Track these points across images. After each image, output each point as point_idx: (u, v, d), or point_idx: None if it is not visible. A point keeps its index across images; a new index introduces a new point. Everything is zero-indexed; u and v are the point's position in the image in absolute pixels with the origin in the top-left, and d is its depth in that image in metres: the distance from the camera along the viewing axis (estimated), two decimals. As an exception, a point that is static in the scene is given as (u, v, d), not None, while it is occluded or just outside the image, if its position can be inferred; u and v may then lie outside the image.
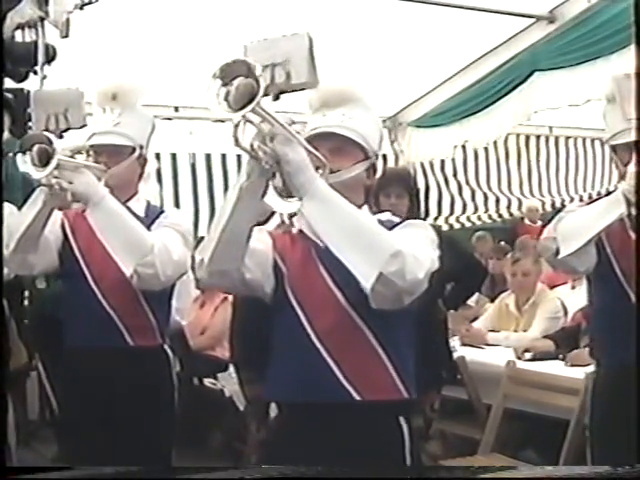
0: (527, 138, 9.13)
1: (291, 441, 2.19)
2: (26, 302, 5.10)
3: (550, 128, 9.05)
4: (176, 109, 6.83)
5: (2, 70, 3.51)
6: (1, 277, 3.04)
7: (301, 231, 2.21)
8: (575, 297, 5.30)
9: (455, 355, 4.57)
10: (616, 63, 5.07)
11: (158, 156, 7.14)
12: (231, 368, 4.69)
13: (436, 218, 8.68)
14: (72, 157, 2.99)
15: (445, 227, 8.47)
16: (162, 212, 3.26)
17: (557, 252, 2.86)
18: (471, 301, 5.89)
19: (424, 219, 5.73)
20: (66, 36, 3.79)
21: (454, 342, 4.85)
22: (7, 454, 3.28)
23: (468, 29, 5.85)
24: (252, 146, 1.90)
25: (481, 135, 6.89)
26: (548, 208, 9.27)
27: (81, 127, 3.21)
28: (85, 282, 3.14)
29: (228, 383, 5.15)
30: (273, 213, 2.26)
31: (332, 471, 2.04)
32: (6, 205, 3.06)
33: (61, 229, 3.22)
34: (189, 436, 4.51)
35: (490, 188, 9.20)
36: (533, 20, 6.09)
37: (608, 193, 2.87)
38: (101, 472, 2.10)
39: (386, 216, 2.33)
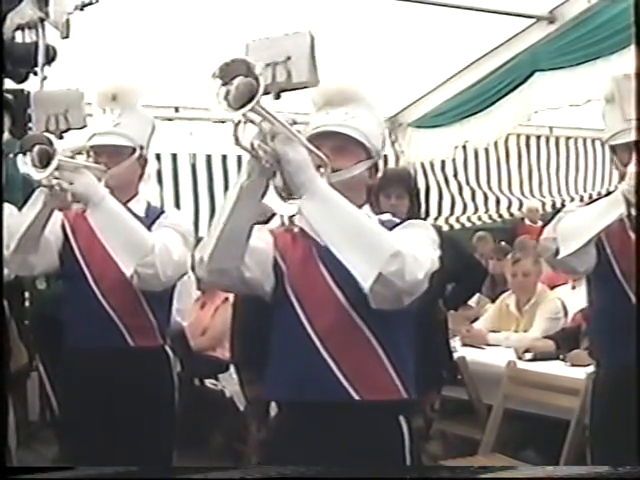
0: (527, 138, 9.13)
1: (291, 440, 2.19)
2: (26, 303, 5.10)
3: (550, 128, 9.05)
4: (176, 110, 6.83)
5: (2, 71, 3.51)
6: (1, 278, 3.04)
7: (302, 230, 2.20)
8: (575, 297, 5.29)
9: (456, 355, 4.57)
10: (616, 63, 5.07)
11: (158, 157, 7.15)
12: (232, 369, 4.69)
13: (436, 218, 8.68)
14: (72, 158, 2.99)
15: (445, 227, 8.47)
16: (162, 212, 3.26)
17: (557, 252, 2.86)
18: (472, 301, 5.89)
19: (424, 219, 5.72)
20: (66, 37, 3.79)
21: (455, 342, 4.85)
22: (7, 455, 3.27)
23: (468, 29, 5.85)
24: (252, 145, 1.90)
25: (481, 135, 6.89)
26: (548, 208, 9.27)
27: (81, 128, 3.21)
28: (85, 282, 3.14)
29: (229, 384, 5.16)
30: (274, 214, 2.26)
31: (331, 471, 2.04)
32: (6, 206, 3.06)
33: (61, 230, 3.22)
34: (190, 437, 4.51)
35: (490, 188, 9.20)
36: (533, 20, 6.09)
37: (608, 193, 2.87)
38: (101, 472, 2.10)
39: (387, 216, 2.34)
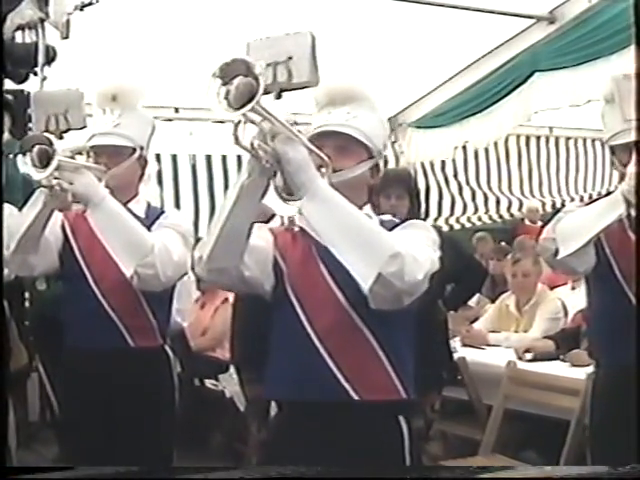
0: (527, 139, 9.12)
1: (290, 439, 2.19)
2: (26, 303, 5.10)
3: (550, 129, 9.04)
4: (176, 110, 6.83)
5: (2, 71, 3.51)
6: (1, 278, 3.04)
7: (302, 229, 2.20)
8: (575, 298, 5.29)
9: (456, 356, 4.57)
10: (616, 63, 5.06)
11: (158, 157, 7.15)
12: (232, 369, 4.69)
13: (436, 219, 8.68)
14: (72, 158, 2.99)
15: (445, 228, 8.47)
16: (162, 213, 3.26)
17: (556, 252, 2.86)
18: (472, 302, 5.89)
19: (424, 220, 5.73)
20: (66, 37, 3.79)
21: (455, 343, 4.85)
22: (7, 455, 3.27)
23: (468, 30, 5.85)
24: (252, 145, 1.90)
25: (481, 136, 6.88)
26: (548, 209, 9.26)
27: (81, 128, 3.21)
28: (85, 283, 3.14)
29: (229, 384, 5.16)
30: (274, 215, 2.26)
31: (331, 471, 2.04)
32: (6, 206, 3.06)
33: (61, 230, 3.22)
34: (190, 437, 4.51)
35: (490, 189, 9.20)
36: (533, 20, 6.09)
37: (609, 194, 2.86)
38: (101, 472, 2.10)
39: (388, 217, 2.34)
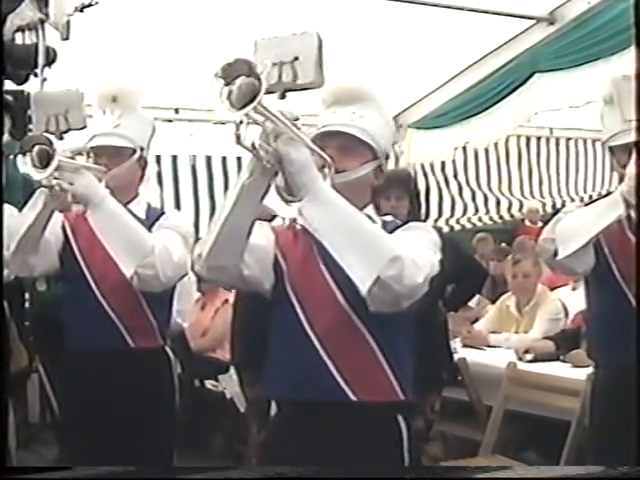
0: (528, 139, 9.13)
1: (289, 438, 2.19)
2: (27, 304, 5.10)
3: (550, 129, 9.05)
4: (176, 111, 6.83)
5: (2, 72, 3.51)
6: (1, 279, 3.04)
7: (304, 227, 2.18)
8: (576, 298, 5.29)
9: (456, 356, 4.56)
10: (616, 64, 5.07)
11: (159, 158, 7.15)
12: (232, 370, 4.69)
13: (436, 219, 8.68)
14: (72, 158, 2.99)
15: (446, 228, 8.47)
16: (162, 214, 3.26)
17: (555, 253, 2.86)
18: (472, 303, 5.89)
19: (424, 221, 5.74)
20: (66, 38, 3.79)
21: (455, 344, 4.85)
22: (7, 456, 3.27)
23: (468, 31, 5.85)
24: (253, 145, 1.90)
25: (482, 136, 6.88)
26: (549, 209, 9.27)
27: (81, 128, 3.21)
28: (86, 284, 3.14)
29: (229, 385, 5.15)
30: (275, 216, 2.26)
31: (330, 471, 2.04)
32: (6, 207, 3.06)
33: (62, 231, 3.22)
34: (190, 438, 4.51)
35: (491, 189, 9.20)
36: (533, 22, 6.09)
37: (608, 194, 2.86)
38: (101, 472, 2.10)
39: (390, 217, 2.33)
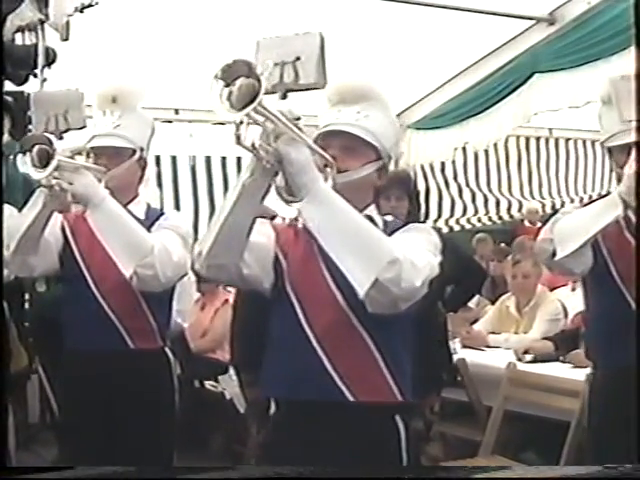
0: (527, 140, 9.13)
1: (287, 438, 2.19)
2: (26, 305, 5.10)
3: (550, 130, 9.04)
4: (176, 111, 6.83)
5: (2, 73, 3.51)
6: (1, 279, 3.04)
7: (305, 226, 2.18)
8: (575, 299, 5.27)
9: (455, 357, 4.56)
10: (616, 65, 5.06)
11: (158, 158, 7.15)
12: (231, 371, 4.69)
13: (436, 220, 8.68)
14: (72, 158, 2.99)
15: (445, 229, 8.47)
16: (162, 214, 3.26)
17: (554, 254, 2.86)
18: (472, 303, 5.89)
19: (424, 221, 5.73)
20: (66, 39, 3.79)
21: (454, 344, 4.85)
22: (7, 457, 3.27)
23: (468, 31, 5.85)
24: (254, 145, 1.89)
25: (481, 137, 6.88)
26: (548, 210, 9.26)
27: (81, 128, 3.20)
28: (85, 285, 3.14)
29: (229, 386, 5.15)
30: (275, 216, 2.26)
31: (327, 471, 2.04)
32: (6, 207, 3.06)
33: (61, 231, 3.22)
34: (190, 439, 4.51)
35: (490, 190, 9.20)
36: (533, 22, 6.09)
37: (608, 195, 2.86)
38: (101, 472, 2.10)
39: (391, 217, 2.33)
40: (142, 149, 3.22)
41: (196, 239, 3.12)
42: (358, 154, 2.19)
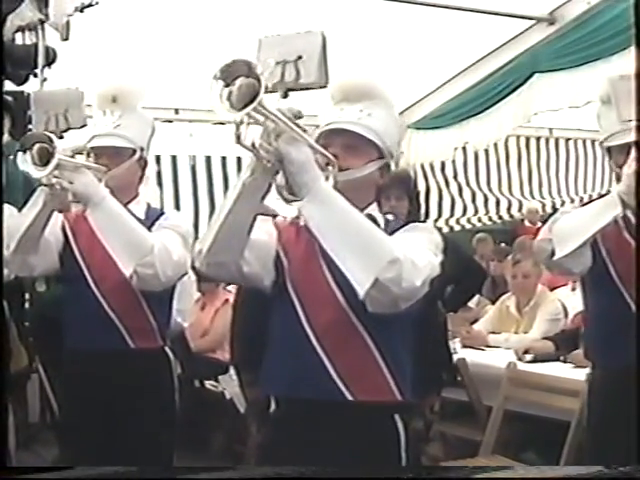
0: (527, 140, 9.13)
1: (286, 436, 2.19)
2: (26, 304, 5.10)
3: (550, 130, 9.05)
4: (176, 111, 6.84)
5: (2, 72, 3.51)
6: (1, 279, 3.04)
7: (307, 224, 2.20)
8: (575, 299, 5.26)
9: (456, 357, 4.56)
10: (616, 65, 5.06)
11: (158, 158, 7.15)
12: (232, 370, 4.69)
13: (436, 220, 8.67)
14: (72, 157, 2.99)
15: (445, 229, 8.47)
16: (162, 214, 3.26)
17: (552, 253, 2.85)
18: (472, 303, 5.89)
19: (424, 221, 5.73)
20: (66, 39, 3.79)
21: (455, 344, 4.85)
22: (7, 457, 3.27)
23: (468, 31, 5.85)
24: (254, 144, 1.89)
25: (481, 137, 6.89)
26: (548, 210, 9.25)
27: (81, 127, 3.20)
28: (85, 284, 3.14)
29: (229, 385, 5.15)
30: (276, 216, 2.25)
31: (327, 471, 2.03)
32: (6, 206, 3.07)
33: (62, 231, 3.22)
34: (190, 438, 4.50)
35: (490, 190, 9.20)
36: (533, 22, 6.09)
37: (607, 194, 2.86)
38: (101, 472, 2.10)
39: (393, 216, 2.33)
40: (142, 149, 3.22)
41: (196, 238, 3.12)
42: (360, 152, 2.18)
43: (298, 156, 1.91)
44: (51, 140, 2.81)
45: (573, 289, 5.85)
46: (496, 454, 4.28)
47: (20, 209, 3.10)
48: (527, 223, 9.42)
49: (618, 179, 2.78)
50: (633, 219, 2.77)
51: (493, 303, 6.04)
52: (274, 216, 2.22)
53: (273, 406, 2.29)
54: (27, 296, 5.06)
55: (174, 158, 7.57)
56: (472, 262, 5.16)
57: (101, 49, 5.00)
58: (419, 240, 2.12)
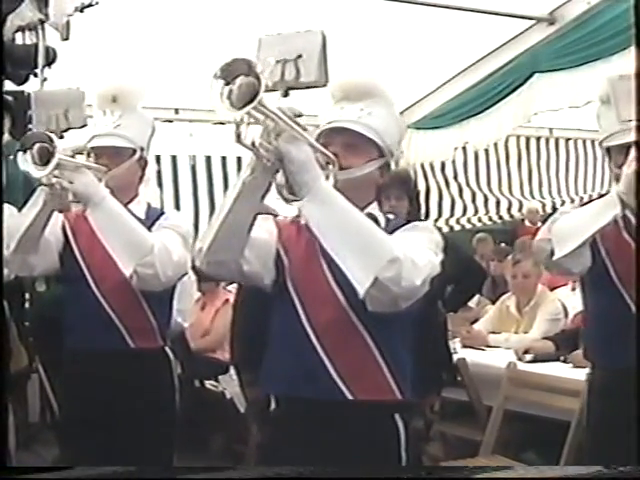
0: (527, 140, 9.13)
1: (286, 435, 2.19)
2: (26, 304, 5.10)
3: (550, 130, 9.05)
4: (176, 111, 6.84)
5: (2, 72, 3.51)
6: (1, 279, 3.04)
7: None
8: (575, 299, 5.25)
9: (456, 357, 4.56)
10: (616, 65, 5.07)
11: (158, 158, 7.15)
12: (232, 370, 4.69)
13: (436, 220, 8.67)
14: (72, 157, 2.99)
15: (445, 229, 8.47)
16: (162, 214, 3.26)
17: (552, 253, 2.85)
18: (472, 303, 5.89)
19: (424, 221, 5.73)
20: (66, 39, 3.79)
21: (455, 344, 4.85)
22: (7, 457, 3.27)
23: (468, 31, 5.86)
24: (254, 143, 1.89)
25: (481, 137, 6.89)
26: (548, 210, 9.25)
27: (82, 127, 3.21)
28: (86, 284, 3.14)
29: (229, 385, 5.15)
30: (276, 216, 2.25)
31: (327, 470, 2.03)
32: (6, 206, 3.06)
33: (62, 231, 3.22)
34: (190, 438, 4.50)
35: (490, 190, 9.20)
36: (533, 22, 6.09)
37: (607, 194, 2.86)
38: (101, 472, 2.10)
39: (392, 215, 2.33)
40: (142, 149, 3.22)
41: (196, 238, 3.12)
42: (360, 151, 2.18)
43: (298, 155, 1.91)
44: (51, 140, 2.81)
45: (573, 289, 5.85)
46: (496, 454, 4.28)
47: (20, 209, 3.10)
48: (527, 223, 9.42)
49: (617, 179, 2.78)
50: (633, 219, 2.77)
51: (493, 303, 6.04)
52: (275, 215, 2.22)
53: (273, 405, 2.30)
54: (27, 296, 5.07)
55: (174, 158, 7.58)
56: (472, 262, 5.17)
57: (101, 49, 5.00)
58: (419, 239, 2.11)
